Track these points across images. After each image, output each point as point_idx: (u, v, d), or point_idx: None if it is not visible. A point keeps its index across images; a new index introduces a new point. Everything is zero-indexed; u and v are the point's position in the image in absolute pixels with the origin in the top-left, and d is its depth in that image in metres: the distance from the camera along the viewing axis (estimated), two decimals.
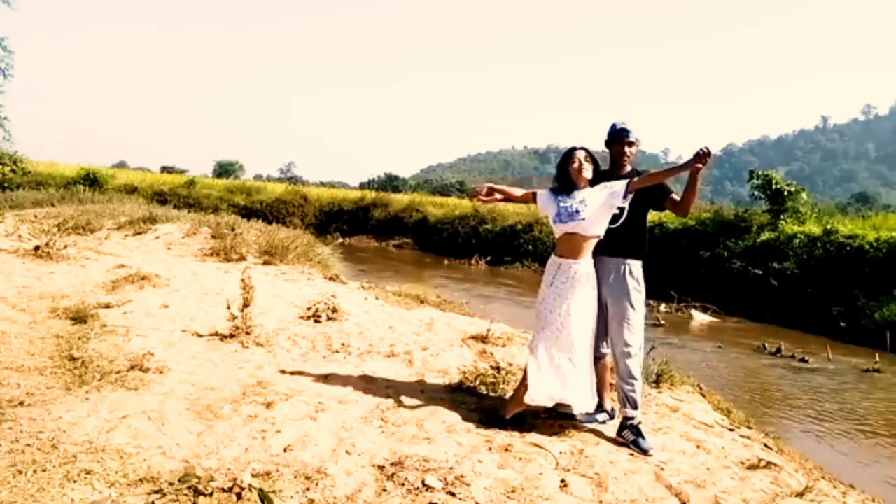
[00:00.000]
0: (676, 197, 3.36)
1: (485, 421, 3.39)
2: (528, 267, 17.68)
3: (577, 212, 3.28)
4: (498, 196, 3.61)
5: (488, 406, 3.66)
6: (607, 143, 3.51)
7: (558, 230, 3.38)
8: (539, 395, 3.28)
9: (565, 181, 3.41)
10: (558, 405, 3.42)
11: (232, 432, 3.01)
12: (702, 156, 3.05)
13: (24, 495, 2.28)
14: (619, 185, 3.28)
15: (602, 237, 3.36)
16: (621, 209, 3.33)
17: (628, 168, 3.51)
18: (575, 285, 3.31)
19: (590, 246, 3.35)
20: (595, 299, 3.39)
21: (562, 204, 3.37)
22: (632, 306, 3.39)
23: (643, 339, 3.46)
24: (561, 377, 3.30)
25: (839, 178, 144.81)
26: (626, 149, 3.45)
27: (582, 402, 3.37)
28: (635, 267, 3.44)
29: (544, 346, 3.32)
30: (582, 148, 3.42)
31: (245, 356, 4.36)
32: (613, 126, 3.48)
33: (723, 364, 8.31)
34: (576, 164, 3.36)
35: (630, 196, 3.30)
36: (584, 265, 3.34)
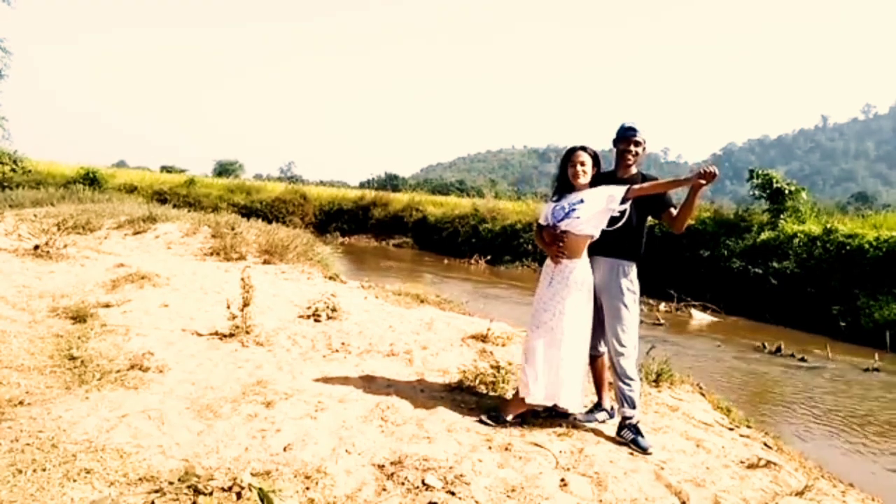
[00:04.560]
0: (674, 212, 3.36)
1: (485, 421, 3.39)
2: (527, 266, 17.66)
3: (573, 210, 3.28)
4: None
5: (488, 405, 3.66)
6: (614, 142, 3.50)
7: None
8: (538, 396, 3.31)
9: (564, 182, 3.42)
10: (557, 405, 3.43)
11: (232, 431, 3.01)
12: (706, 174, 3.04)
13: (24, 494, 2.28)
14: (619, 191, 3.26)
15: (596, 237, 3.36)
16: (621, 212, 3.32)
17: (634, 170, 3.47)
18: (571, 285, 3.30)
19: (583, 245, 3.35)
20: (591, 300, 3.38)
21: (557, 205, 3.38)
22: (625, 307, 3.39)
23: (637, 339, 3.46)
24: (557, 377, 3.31)
25: (839, 177, 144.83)
26: (632, 147, 3.42)
27: (574, 402, 3.37)
28: (630, 268, 3.43)
29: (538, 346, 3.32)
30: (582, 148, 3.40)
31: (245, 355, 4.36)
32: (622, 125, 3.47)
33: (722, 363, 8.31)
34: (575, 168, 3.36)
35: (629, 202, 3.30)
36: (581, 265, 3.34)
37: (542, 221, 3.49)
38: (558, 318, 3.30)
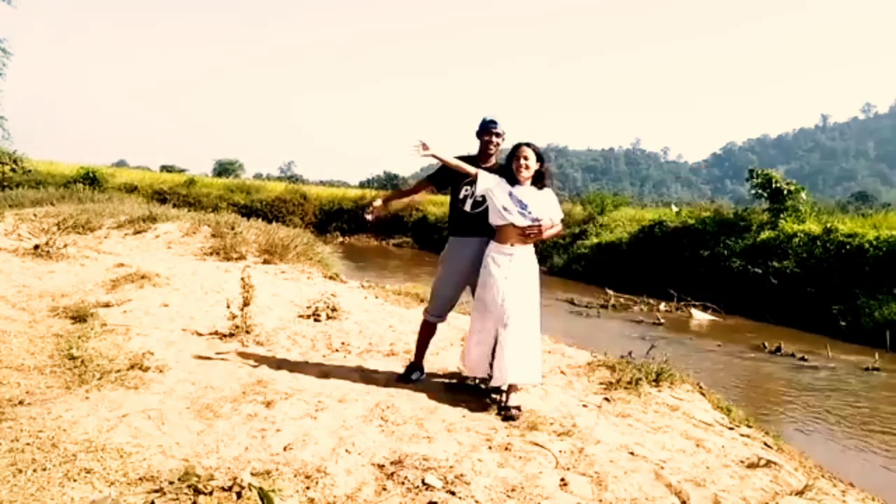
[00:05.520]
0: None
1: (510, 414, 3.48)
2: None
3: (527, 205, 3.58)
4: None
5: (488, 404, 3.67)
6: (478, 134, 3.85)
7: (514, 220, 3.57)
8: (475, 367, 3.71)
9: (510, 176, 3.65)
10: (510, 381, 3.57)
11: (232, 431, 3.01)
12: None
13: (24, 494, 2.28)
14: (557, 216, 3.73)
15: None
16: (483, 198, 3.67)
17: (493, 160, 3.83)
18: (515, 268, 3.59)
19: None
20: (535, 279, 3.67)
21: (521, 198, 3.59)
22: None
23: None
24: (493, 350, 3.59)
25: (839, 176, 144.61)
26: (494, 138, 3.78)
27: (526, 377, 3.60)
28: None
29: (480, 324, 3.66)
30: (527, 144, 3.67)
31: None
32: (484, 119, 3.82)
33: (722, 363, 8.32)
34: (519, 161, 3.61)
35: (484, 189, 3.64)
36: (526, 250, 3.65)
37: (517, 222, 3.60)
38: (501, 298, 3.55)
